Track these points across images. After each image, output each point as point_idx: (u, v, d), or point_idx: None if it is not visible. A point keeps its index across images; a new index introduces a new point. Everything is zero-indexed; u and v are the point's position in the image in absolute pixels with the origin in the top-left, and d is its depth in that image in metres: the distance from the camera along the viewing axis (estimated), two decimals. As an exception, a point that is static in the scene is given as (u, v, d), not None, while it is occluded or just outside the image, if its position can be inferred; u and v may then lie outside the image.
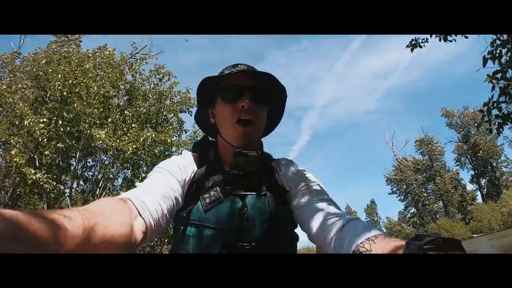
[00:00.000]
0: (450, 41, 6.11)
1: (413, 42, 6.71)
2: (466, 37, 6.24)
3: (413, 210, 38.18)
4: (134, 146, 7.68)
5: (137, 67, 10.13)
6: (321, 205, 0.90)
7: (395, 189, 39.33)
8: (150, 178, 0.92)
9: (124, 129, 8.53)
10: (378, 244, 0.64)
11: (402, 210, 39.51)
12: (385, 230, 38.25)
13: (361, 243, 0.67)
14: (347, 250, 0.70)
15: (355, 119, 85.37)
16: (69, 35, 13.57)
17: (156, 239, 8.53)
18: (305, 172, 1.05)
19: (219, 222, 0.90)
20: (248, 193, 0.95)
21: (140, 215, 0.75)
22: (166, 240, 8.82)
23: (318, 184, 1.01)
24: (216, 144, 1.09)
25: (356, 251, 0.67)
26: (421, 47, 6.70)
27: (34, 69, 9.78)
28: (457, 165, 38.92)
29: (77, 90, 7.84)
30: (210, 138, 1.15)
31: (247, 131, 0.98)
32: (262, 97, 1.01)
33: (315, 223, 0.87)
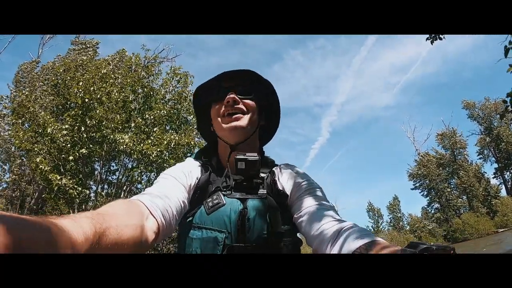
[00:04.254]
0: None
1: (433, 35, 6.59)
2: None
3: (436, 205, 37.22)
4: (158, 149, 7.69)
5: (153, 69, 10.15)
6: (319, 210, 0.92)
7: (418, 184, 38.49)
8: (157, 184, 0.96)
9: (146, 132, 8.54)
10: (373, 251, 0.65)
11: (425, 206, 38.61)
12: (408, 227, 37.65)
13: (356, 249, 0.68)
14: None
15: (375, 114, 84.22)
16: (86, 43, 13.74)
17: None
18: (305, 178, 1.07)
19: (221, 224, 0.93)
20: (249, 196, 0.99)
21: (152, 215, 0.78)
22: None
23: (318, 190, 1.03)
24: (217, 150, 1.15)
25: None
26: (441, 39, 6.62)
27: (53, 78, 9.91)
28: (480, 158, 37.95)
29: (98, 96, 7.89)
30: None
31: (236, 121, 1.04)
32: (247, 92, 1.08)
33: (312, 228, 0.89)
